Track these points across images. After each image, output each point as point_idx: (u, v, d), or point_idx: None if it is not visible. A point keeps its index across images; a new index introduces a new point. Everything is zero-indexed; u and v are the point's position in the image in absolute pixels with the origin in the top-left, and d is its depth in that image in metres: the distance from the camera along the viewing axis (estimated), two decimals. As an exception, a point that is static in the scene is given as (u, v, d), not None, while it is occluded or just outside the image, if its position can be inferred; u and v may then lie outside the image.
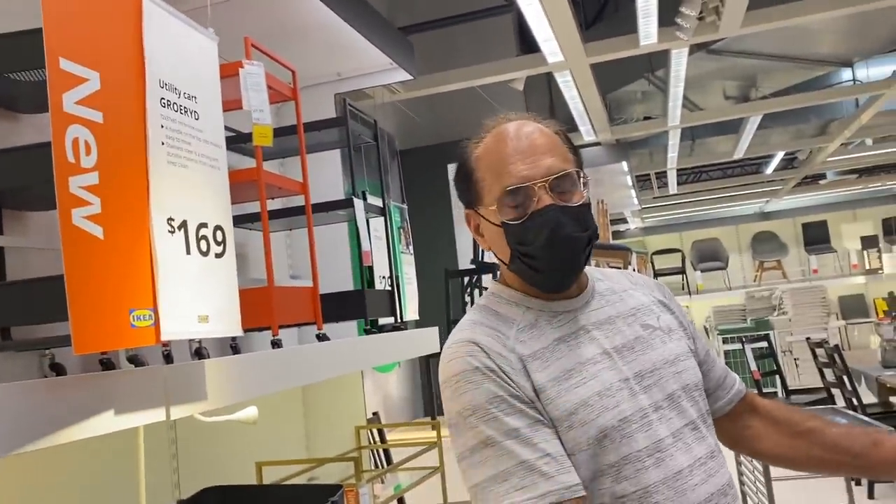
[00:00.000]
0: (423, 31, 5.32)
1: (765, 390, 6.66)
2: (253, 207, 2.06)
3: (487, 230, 1.22)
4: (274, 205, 2.73)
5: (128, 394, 1.21)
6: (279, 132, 2.40)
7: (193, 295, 1.25)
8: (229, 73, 1.77)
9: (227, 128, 2.50)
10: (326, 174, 3.02)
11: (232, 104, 1.80)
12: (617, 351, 1.19)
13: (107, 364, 1.66)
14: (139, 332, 1.12)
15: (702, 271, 12.65)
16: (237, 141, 2.44)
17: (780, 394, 7.01)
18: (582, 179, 1.19)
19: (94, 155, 1.05)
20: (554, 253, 1.15)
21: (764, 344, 7.24)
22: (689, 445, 1.15)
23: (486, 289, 4.37)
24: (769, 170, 10.69)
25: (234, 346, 2.11)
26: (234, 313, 1.39)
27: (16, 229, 1.73)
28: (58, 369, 1.72)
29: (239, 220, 2.42)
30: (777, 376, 6.99)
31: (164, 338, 1.18)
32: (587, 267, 1.30)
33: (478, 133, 1.26)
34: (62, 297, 0.99)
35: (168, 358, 1.79)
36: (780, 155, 9.99)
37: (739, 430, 1.38)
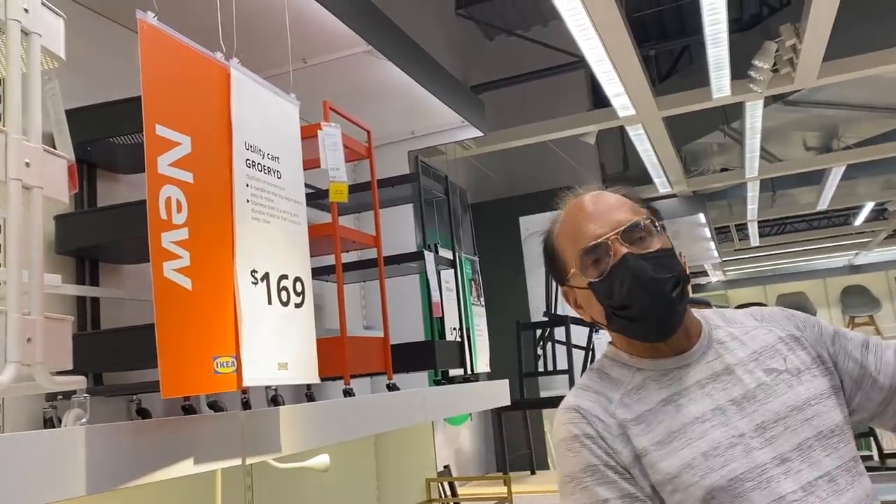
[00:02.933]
0: (497, 88, 5.45)
1: (859, 453, 6.28)
2: (329, 260, 2.14)
3: (581, 297, 1.23)
4: (350, 257, 2.82)
5: (207, 438, 1.27)
6: (355, 188, 2.51)
7: (274, 343, 1.31)
8: (309, 134, 1.87)
9: (307, 185, 2.63)
10: (400, 228, 3.10)
11: (311, 163, 1.90)
12: (735, 404, 1.14)
13: (188, 409, 1.74)
14: (222, 378, 1.19)
15: (787, 326, 12.14)
16: (316, 197, 2.56)
17: (875, 457, 6.60)
18: (656, 227, 1.19)
19: (185, 212, 1.14)
20: (642, 298, 1.14)
21: (856, 404, 6.87)
22: (823, 500, 1.07)
23: (559, 342, 4.34)
24: (858, 221, 10.29)
25: (308, 395, 2.18)
26: (312, 361, 1.44)
27: (111, 281, 1.85)
28: (143, 413, 1.82)
29: (316, 273, 2.52)
30: (872, 439, 6.60)
31: (245, 384, 1.24)
32: (714, 310, 1.29)
33: (553, 201, 1.29)
34: (151, 345, 1.07)
35: (246, 405, 1.87)
36: (869, 206, 9.63)
37: None
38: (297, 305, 1.38)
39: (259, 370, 1.24)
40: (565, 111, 4.84)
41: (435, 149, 3.95)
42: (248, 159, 1.30)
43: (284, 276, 1.35)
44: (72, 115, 1.74)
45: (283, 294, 1.34)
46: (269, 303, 1.30)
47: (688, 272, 1.22)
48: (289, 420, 1.48)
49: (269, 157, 1.37)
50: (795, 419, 1.12)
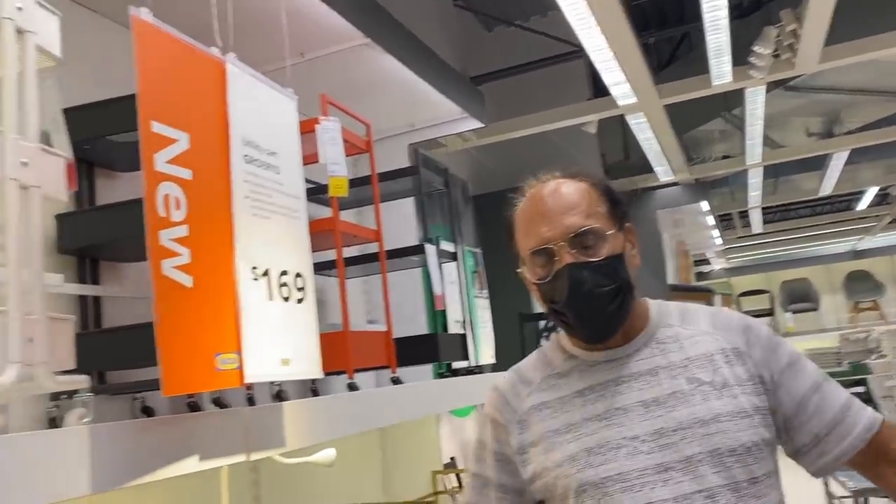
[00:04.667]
0: (497, 79, 5.42)
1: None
2: (331, 255, 2.14)
3: (530, 286, 1.26)
4: (351, 252, 2.82)
5: (211, 435, 1.27)
6: (355, 182, 2.50)
7: (276, 339, 1.31)
8: (308, 128, 1.87)
9: (307, 180, 2.62)
10: (401, 221, 3.10)
11: (311, 158, 1.90)
12: (644, 405, 1.16)
13: (193, 407, 1.74)
14: (224, 374, 1.18)
15: (792, 313, 12.13)
16: (316, 192, 2.55)
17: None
18: (609, 232, 1.19)
19: (184, 209, 1.14)
20: (577, 309, 1.17)
21: (861, 389, 6.86)
22: None
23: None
24: (861, 206, 10.25)
25: (313, 390, 2.18)
26: (315, 356, 1.44)
27: (111, 280, 1.85)
28: (148, 412, 1.82)
29: (317, 268, 2.51)
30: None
31: (247, 380, 1.24)
32: (682, 304, 1.29)
33: (523, 192, 1.28)
34: (153, 342, 1.06)
35: (251, 401, 1.87)
36: (872, 191, 9.58)
37: (872, 479, 1.23)
38: (299, 301, 1.37)
39: (261, 366, 1.24)
40: (565, 101, 4.82)
41: (435, 141, 3.94)
42: (246, 155, 1.29)
43: (285, 272, 1.35)
44: (69, 113, 1.73)
45: (285, 289, 1.33)
46: (271, 298, 1.29)
47: (634, 271, 1.18)
48: (293, 415, 1.48)
49: (267, 152, 1.36)
50: (696, 432, 1.12)
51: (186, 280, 1.11)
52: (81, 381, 1.26)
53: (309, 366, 1.38)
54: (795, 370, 1.21)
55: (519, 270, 1.28)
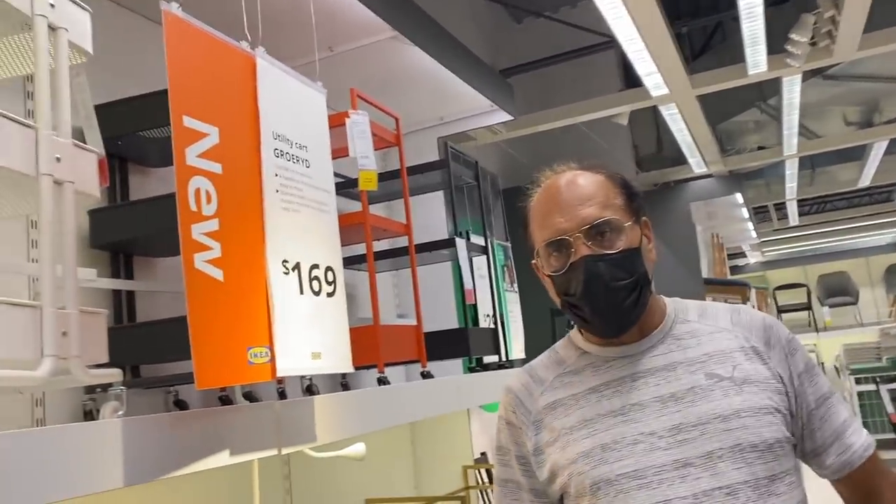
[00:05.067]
0: (526, 71, 5.38)
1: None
2: (361, 249, 2.14)
3: (544, 279, 1.24)
4: (381, 246, 2.82)
5: (242, 429, 1.27)
6: (385, 176, 2.50)
7: (307, 333, 1.31)
8: (337, 122, 1.86)
9: (336, 174, 2.62)
10: (432, 215, 3.09)
11: (340, 151, 1.89)
12: (660, 401, 1.13)
13: (225, 400, 1.75)
14: (256, 368, 1.18)
15: (830, 307, 11.89)
16: (346, 186, 2.55)
17: None
18: (627, 224, 1.16)
19: (215, 203, 1.14)
20: (593, 302, 1.14)
21: (901, 385, 6.70)
22: None
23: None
24: (901, 197, 10.00)
25: (344, 384, 2.18)
26: (346, 350, 1.44)
27: (145, 274, 1.87)
28: (181, 405, 1.84)
29: (348, 262, 2.52)
30: None
31: (279, 374, 1.24)
32: (701, 301, 1.27)
33: (539, 183, 1.26)
34: (186, 336, 1.07)
35: (282, 395, 1.87)
36: (912, 181, 9.35)
37: None
38: (329, 294, 1.37)
39: (293, 360, 1.24)
40: (596, 93, 4.76)
41: (465, 134, 3.92)
42: (276, 149, 1.29)
43: (315, 266, 1.35)
44: (101, 109, 1.75)
45: (315, 283, 1.33)
46: (301, 292, 1.29)
47: (651, 268, 1.15)
48: (324, 409, 1.48)
49: (297, 146, 1.36)
50: (716, 427, 1.10)
51: (218, 274, 1.11)
52: (115, 374, 1.27)
53: (339, 360, 1.37)
54: (811, 376, 1.20)
55: (533, 262, 1.26)
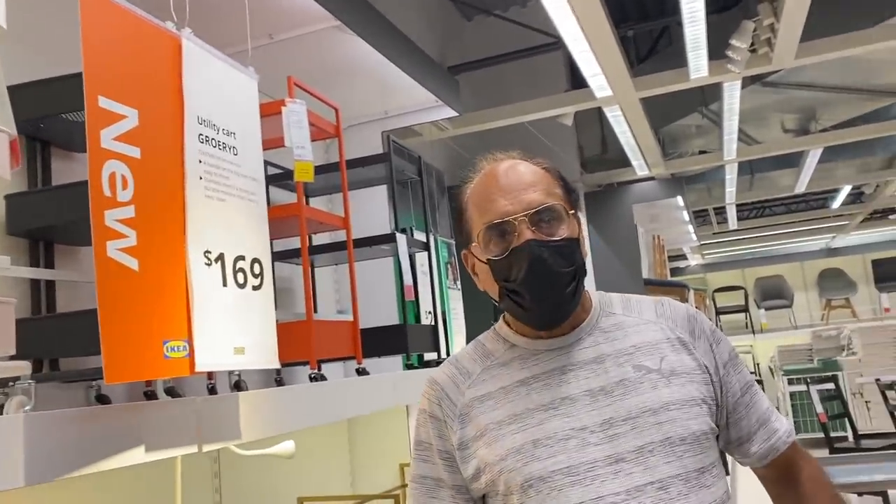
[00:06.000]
0: (476, 68, 5.37)
1: (833, 434, 6.33)
2: (298, 242, 2.09)
3: (479, 268, 1.21)
4: (322, 239, 2.77)
5: (160, 425, 1.22)
6: (327, 168, 2.45)
7: (229, 327, 1.26)
8: (274, 111, 1.81)
9: (274, 165, 2.56)
10: (379, 209, 3.05)
11: (276, 141, 1.85)
12: (590, 395, 1.12)
13: (150, 395, 1.69)
14: (173, 362, 1.13)
15: (766, 309, 12.23)
16: (284, 178, 2.50)
17: (849, 438, 6.67)
18: (569, 213, 1.16)
19: (131, 189, 1.08)
20: (535, 288, 1.12)
21: (830, 385, 6.92)
22: None
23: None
24: (835, 204, 10.34)
25: (278, 380, 2.13)
26: (271, 346, 1.40)
27: (67, 263, 1.79)
28: (103, 400, 1.76)
29: (285, 255, 2.47)
30: (846, 420, 6.67)
31: (198, 369, 1.19)
32: (624, 294, 1.27)
33: (479, 170, 1.24)
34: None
35: (212, 390, 1.82)
36: (846, 189, 9.67)
37: (774, 498, 1.27)
38: (255, 287, 1.33)
39: (213, 354, 1.19)
40: (544, 92, 4.78)
41: (411, 130, 3.89)
42: (200, 134, 1.24)
43: (241, 257, 1.30)
44: (23, 89, 1.67)
45: (240, 275, 1.28)
46: (224, 285, 1.24)
47: (585, 261, 1.17)
48: (249, 406, 1.43)
49: (225, 132, 1.31)
50: (646, 421, 1.10)
51: (132, 263, 1.06)
52: (22, 367, 1.21)
53: (264, 355, 1.33)
54: (735, 365, 1.22)
55: (463, 252, 1.23)
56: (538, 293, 1.12)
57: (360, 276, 2.25)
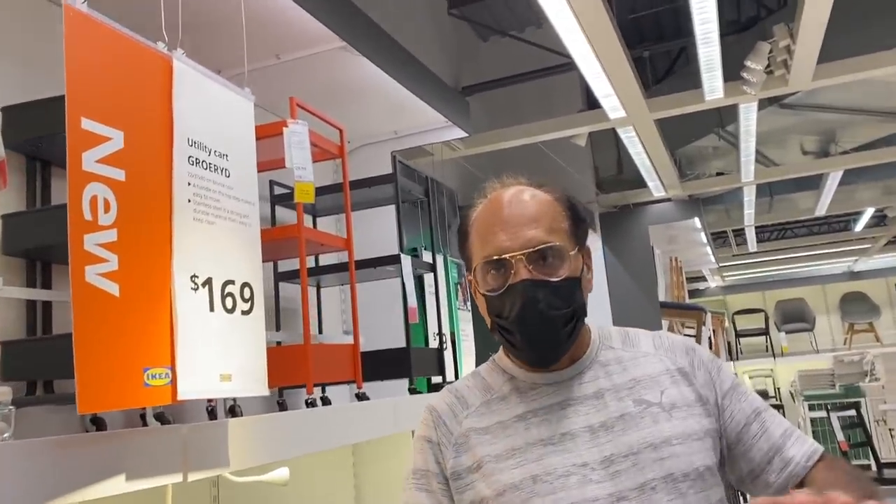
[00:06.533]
0: (491, 89, 5.37)
1: (855, 462, 6.19)
2: (309, 263, 2.06)
3: (478, 297, 1.18)
4: (330, 260, 2.74)
5: (143, 453, 1.19)
6: (334, 189, 2.43)
7: (215, 353, 1.23)
8: (275, 131, 1.80)
9: (282, 185, 2.55)
10: (385, 230, 3.02)
11: (279, 162, 1.83)
12: (591, 431, 1.09)
13: (144, 420, 1.66)
14: (153, 390, 1.11)
15: (786, 332, 12.05)
16: (289, 198, 2.48)
17: (872, 467, 6.50)
18: (571, 251, 1.12)
19: (114, 212, 1.06)
20: (527, 329, 1.09)
21: (852, 412, 6.77)
22: None
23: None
24: (858, 227, 10.18)
25: (281, 404, 2.09)
26: (260, 372, 1.36)
27: (64, 284, 1.77)
28: (98, 424, 1.74)
29: (288, 276, 2.44)
30: (869, 448, 6.51)
31: (181, 397, 1.16)
32: (623, 328, 1.24)
33: (485, 195, 1.21)
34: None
35: (212, 413, 1.78)
36: (869, 211, 9.52)
37: None
38: (245, 312, 1.30)
39: (197, 382, 1.16)
40: (559, 113, 4.75)
41: (422, 149, 3.87)
42: (190, 156, 1.22)
43: (231, 282, 1.27)
44: (23, 109, 1.67)
45: (228, 300, 1.26)
46: (212, 309, 1.22)
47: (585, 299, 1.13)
48: (240, 432, 1.40)
49: (217, 154, 1.29)
50: (647, 457, 1.06)
51: (112, 288, 1.03)
52: (3, 391, 1.19)
53: (252, 382, 1.30)
54: (738, 393, 1.17)
55: (469, 276, 1.20)
56: (528, 334, 1.10)
57: (369, 298, 2.22)
